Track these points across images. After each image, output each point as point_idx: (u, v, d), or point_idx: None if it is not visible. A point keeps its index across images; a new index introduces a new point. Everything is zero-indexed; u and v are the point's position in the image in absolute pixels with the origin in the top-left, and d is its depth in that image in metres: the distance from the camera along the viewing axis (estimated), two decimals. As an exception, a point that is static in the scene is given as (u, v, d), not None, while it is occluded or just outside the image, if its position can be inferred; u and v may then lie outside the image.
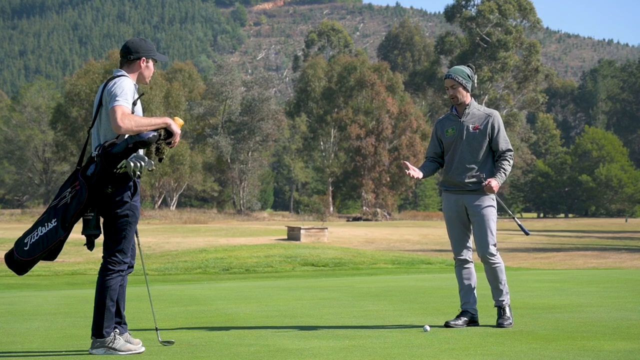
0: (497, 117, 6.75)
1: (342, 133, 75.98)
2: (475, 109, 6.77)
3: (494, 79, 75.91)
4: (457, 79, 6.69)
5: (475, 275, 6.88)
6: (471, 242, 6.87)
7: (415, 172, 6.75)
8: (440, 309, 8.12)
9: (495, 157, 6.76)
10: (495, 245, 6.74)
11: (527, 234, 7.04)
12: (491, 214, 6.72)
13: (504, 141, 6.72)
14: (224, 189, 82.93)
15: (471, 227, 6.81)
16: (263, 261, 23.41)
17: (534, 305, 8.17)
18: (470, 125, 6.70)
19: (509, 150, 6.72)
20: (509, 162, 6.69)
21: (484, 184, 6.63)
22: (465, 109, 6.76)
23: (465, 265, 6.83)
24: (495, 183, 6.60)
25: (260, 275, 20.79)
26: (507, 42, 75.21)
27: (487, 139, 6.69)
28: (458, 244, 6.82)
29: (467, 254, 6.83)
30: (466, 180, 6.70)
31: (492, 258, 6.73)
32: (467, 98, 6.75)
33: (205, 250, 27.14)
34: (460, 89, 6.70)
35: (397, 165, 76.12)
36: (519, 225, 6.97)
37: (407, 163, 6.82)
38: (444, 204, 6.90)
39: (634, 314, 7.34)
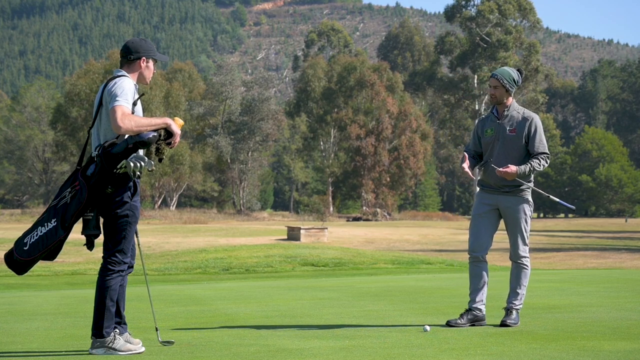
0: (536, 121, 6.74)
1: (342, 133, 75.99)
2: (515, 112, 6.78)
3: (494, 79, 75.81)
4: (501, 80, 6.74)
5: (487, 275, 6.87)
6: (490, 244, 6.87)
7: (470, 171, 6.82)
8: (440, 309, 8.12)
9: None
10: (527, 246, 6.77)
11: (572, 208, 7.18)
12: (525, 215, 6.74)
13: (540, 144, 6.70)
14: (224, 189, 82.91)
15: (505, 228, 6.83)
16: (263, 261, 23.41)
17: (534, 305, 8.17)
18: (508, 128, 6.73)
19: (545, 153, 6.70)
20: (539, 161, 6.66)
21: (501, 169, 6.63)
22: (505, 110, 6.78)
23: (479, 264, 6.83)
24: (514, 168, 6.59)
25: (260, 275, 20.79)
26: (507, 42, 75.19)
27: (524, 142, 6.70)
28: (476, 241, 6.81)
29: (483, 254, 6.81)
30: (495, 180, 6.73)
31: (522, 259, 6.76)
32: (508, 100, 6.78)
33: (205, 250, 27.14)
34: (502, 90, 6.74)
35: (397, 165, 76.11)
36: (561, 203, 7.01)
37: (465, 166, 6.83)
38: (476, 200, 6.93)
39: (634, 314, 7.34)
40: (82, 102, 63.60)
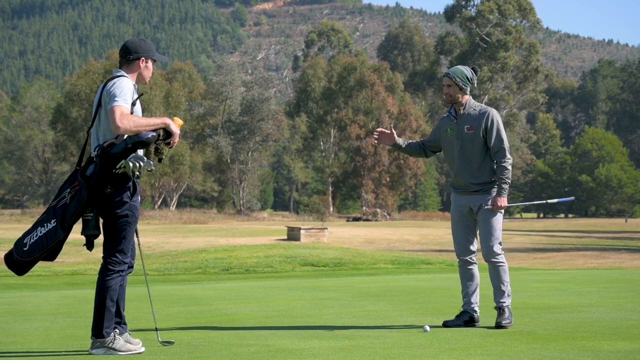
0: (492, 115, 6.67)
1: (342, 133, 76.01)
2: (472, 109, 6.73)
3: (493, 79, 75.91)
4: (454, 79, 6.69)
5: (478, 276, 6.87)
6: (475, 244, 6.86)
7: (385, 138, 6.99)
8: (440, 309, 8.11)
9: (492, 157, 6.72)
10: (500, 244, 6.71)
11: (572, 199, 7.24)
12: (496, 212, 6.71)
13: (497, 139, 6.63)
14: (223, 189, 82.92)
15: (477, 228, 6.81)
16: (263, 261, 23.39)
17: (534, 305, 8.16)
18: (466, 127, 6.69)
19: (501, 150, 6.62)
20: (506, 168, 6.62)
21: (489, 207, 6.63)
22: (461, 109, 6.74)
23: (468, 266, 6.83)
24: (500, 202, 6.62)
25: (260, 275, 20.78)
26: (507, 42, 75.21)
27: (482, 137, 6.66)
28: (460, 245, 6.82)
29: (470, 255, 6.81)
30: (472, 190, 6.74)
31: (496, 257, 6.70)
32: (464, 99, 6.74)
33: (205, 250, 27.13)
34: (456, 89, 6.70)
35: (397, 166, 76.12)
36: (560, 201, 6.99)
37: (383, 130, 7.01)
38: (452, 203, 6.92)
39: (634, 314, 7.34)
40: (82, 102, 63.63)
